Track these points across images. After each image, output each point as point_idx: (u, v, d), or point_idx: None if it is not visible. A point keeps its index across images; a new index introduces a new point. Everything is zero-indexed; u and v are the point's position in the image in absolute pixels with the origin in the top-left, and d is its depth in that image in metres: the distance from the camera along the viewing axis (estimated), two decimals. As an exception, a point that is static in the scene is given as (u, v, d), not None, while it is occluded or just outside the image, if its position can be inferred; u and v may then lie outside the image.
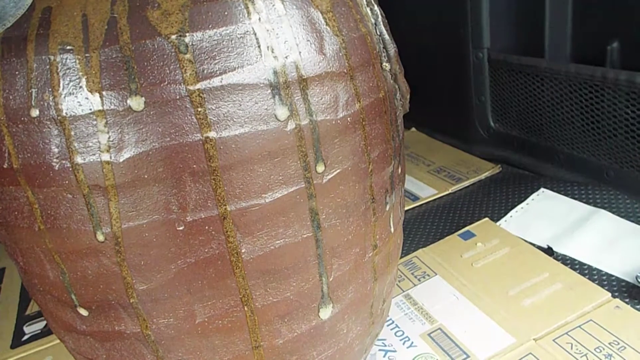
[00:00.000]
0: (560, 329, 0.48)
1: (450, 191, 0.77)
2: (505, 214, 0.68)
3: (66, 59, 0.27)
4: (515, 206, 0.69)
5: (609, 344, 0.46)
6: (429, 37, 0.90)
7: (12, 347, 0.59)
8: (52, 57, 0.27)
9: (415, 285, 0.57)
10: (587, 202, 0.66)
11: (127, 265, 0.30)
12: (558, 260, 0.58)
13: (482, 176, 0.79)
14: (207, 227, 0.29)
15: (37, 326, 0.62)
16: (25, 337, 0.60)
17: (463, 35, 0.82)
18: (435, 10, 0.88)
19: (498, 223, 0.66)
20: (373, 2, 0.36)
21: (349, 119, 0.32)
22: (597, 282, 0.54)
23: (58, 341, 0.58)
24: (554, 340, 0.47)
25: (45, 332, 0.61)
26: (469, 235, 0.64)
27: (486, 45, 0.80)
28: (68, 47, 0.27)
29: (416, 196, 0.77)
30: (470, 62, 0.83)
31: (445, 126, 0.93)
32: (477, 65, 0.82)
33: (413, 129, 1.00)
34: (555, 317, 0.50)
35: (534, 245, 0.61)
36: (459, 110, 0.88)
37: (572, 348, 0.46)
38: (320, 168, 0.31)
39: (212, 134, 0.28)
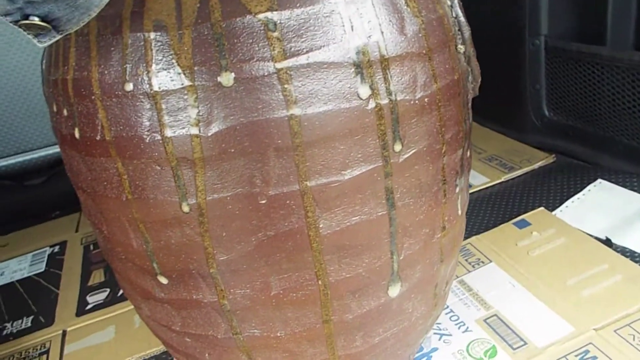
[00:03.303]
0: (622, 320, 0.48)
1: (502, 180, 0.76)
2: (561, 204, 0.67)
3: (160, 35, 0.28)
4: (571, 196, 0.68)
5: (674, 337, 0.45)
6: (484, 22, 0.88)
7: (77, 314, 0.62)
8: (146, 34, 0.29)
9: (469, 271, 0.57)
10: (647, 194, 0.65)
11: (209, 235, 0.31)
12: (617, 251, 0.57)
13: (536, 166, 0.78)
14: (288, 202, 0.30)
15: (99, 296, 0.65)
16: (89, 307, 0.63)
17: (519, 21, 0.80)
18: (491, -4, 0.86)
19: (553, 213, 0.65)
20: (450, -17, 0.35)
21: (426, 99, 0.32)
22: (659, 275, 0.53)
23: (121, 311, 0.61)
24: (615, 331, 0.47)
25: (107, 303, 0.63)
26: (524, 224, 0.63)
27: (544, 32, 0.78)
28: (162, 25, 0.28)
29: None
30: (526, 49, 0.81)
31: (497, 114, 0.91)
32: (533, 53, 0.80)
33: (462, 116, 0.99)
34: (616, 308, 0.49)
35: (591, 236, 0.60)
36: (512, 98, 0.86)
37: (634, 339, 0.45)
38: (397, 147, 0.31)
39: (297, 111, 0.28)
